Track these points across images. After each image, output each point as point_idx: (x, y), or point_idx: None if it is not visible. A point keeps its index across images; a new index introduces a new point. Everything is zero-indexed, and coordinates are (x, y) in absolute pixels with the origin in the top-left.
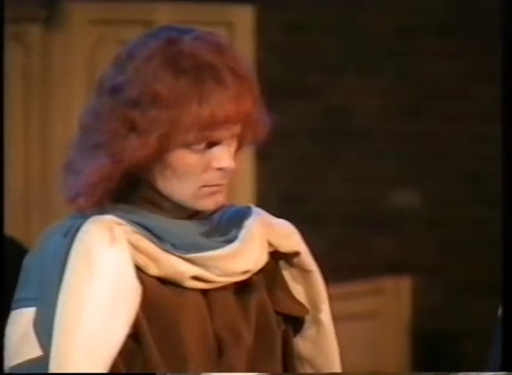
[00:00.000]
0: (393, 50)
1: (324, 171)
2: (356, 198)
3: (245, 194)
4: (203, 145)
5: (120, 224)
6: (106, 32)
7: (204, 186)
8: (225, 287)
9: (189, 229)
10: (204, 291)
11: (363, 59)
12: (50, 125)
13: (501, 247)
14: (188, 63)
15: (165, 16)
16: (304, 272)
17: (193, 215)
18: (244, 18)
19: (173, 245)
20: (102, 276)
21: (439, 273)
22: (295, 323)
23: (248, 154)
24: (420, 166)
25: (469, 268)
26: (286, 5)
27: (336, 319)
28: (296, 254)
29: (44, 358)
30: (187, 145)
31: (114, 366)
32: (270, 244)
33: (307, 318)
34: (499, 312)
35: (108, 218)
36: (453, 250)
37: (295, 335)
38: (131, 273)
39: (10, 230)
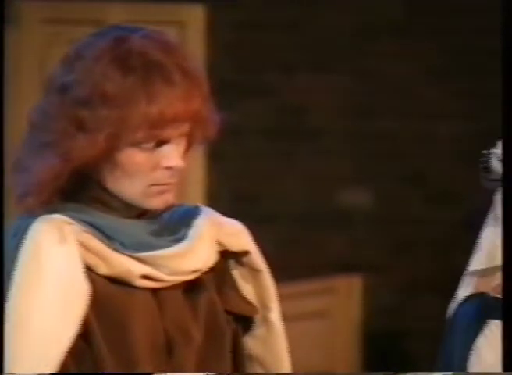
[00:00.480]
0: (348, 49)
1: (277, 170)
2: (308, 197)
3: (196, 193)
4: (152, 144)
5: (69, 223)
6: (58, 31)
7: (152, 185)
8: (174, 287)
9: (138, 228)
10: (154, 290)
11: (317, 58)
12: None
13: (502, 247)
14: (137, 62)
15: (116, 15)
16: (254, 271)
17: (143, 214)
18: (195, 17)
19: (123, 244)
20: (51, 276)
21: (390, 273)
22: (245, 322)
23: (200, 153)
24: (372, 165)
25: (418, 266)
26: (238, 4)
27: (287, 318)
28: (246, 253)
29: None
30: (136, 144)
31: (64, 365)
32: (219, 244)
33: (257, 317)
34: (448, 311)
35: (58, 217)
36: (403, 249)
37: (245, 334)
38: (80, 273)
39: None
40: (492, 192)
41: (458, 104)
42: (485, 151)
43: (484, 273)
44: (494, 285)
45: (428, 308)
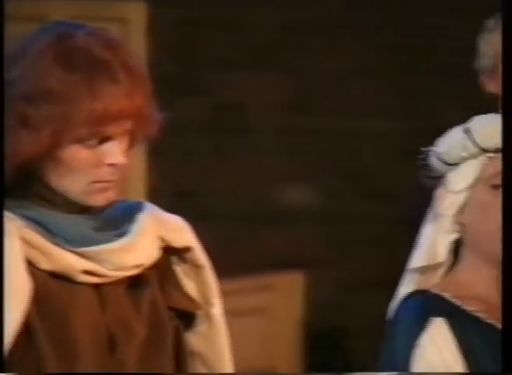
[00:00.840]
0: (284, 46)
1: (216, 167)
2: (247, 194)
3: (137, 189)
4: (95, 141)
5: (12, 219)
6: None
7: (95, 181)
8: (117, 282)
9: (81, 223)
10: (96, 286)
11: (254, 55)
12: None
13: (502, 247)
14: (80, 59)
15: (58, 11)
16: (196, 267)
17: (85, 210)
18: (137, 14)
19: (65, 240)
20: None
21: (331, 269)
22: (187, 318)
23: (140, 150)
24: (311, 162)
25: (359, 264)
26: (179, 1)
27: (228, 314)
28: (188, 249)
29: None
30: (80, 141)
31: (6, 361)
32: (162, 239)
33: (199, 314)
34: (390, 309)
35: None
36: (343, 246)
37: (187, 331)
38: (22, 268)
39: None
40: (430, 189)
41: (395, 101)
42: (424, 149)
43: (425, 270)
44: (435, 282)
45: (369, 305)
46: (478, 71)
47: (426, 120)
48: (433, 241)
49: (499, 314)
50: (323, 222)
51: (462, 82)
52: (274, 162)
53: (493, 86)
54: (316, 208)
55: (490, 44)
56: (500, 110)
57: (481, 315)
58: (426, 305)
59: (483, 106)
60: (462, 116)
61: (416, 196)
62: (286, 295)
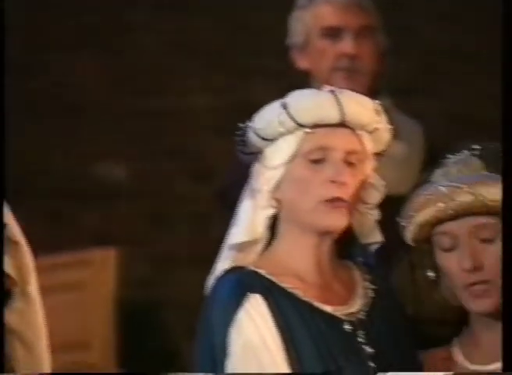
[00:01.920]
0: (110, 24)
1: (42, 146)
2: (65, 171)
3: None
4: None
5: None
6: None
7: None
8: None
9: None
10: None
11: (79, 35)
12: None
13: (502, 248)
14: None
15: None
16: (12, 243)
17: None
18: None
19: None
20: None
21: (146, 245)
22: (3, 295)
23: None
24: (131, 140)
25: (173, 240)
26: None
27: (43, 291)
28: (4, 225)
29: None
30: None
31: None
32: None
33: (15, 290)
34: (207, 285)
35: None
36: (159, 222)
37: (4, 308)
38: None
39: None
40: (247, 166)
41: (214, 77)
42: (242, 125)
43: (242, 247)
44: (252, 258)
45: (184, 281)
46: (289, 47)
47: (243, 96)
48: (251, 217)
49: (315, 291)
50: (139, 198)
51: (277, 58)
52: (96, 139)
53: (304, 62)
54: (131, 185)
55: (301, 21)
56: (314, 85)
57: (297, 292)
58: (242, 281)
59: (296, 82)
60: (275, 91)
61: (233, 172)
62: (100, 271)
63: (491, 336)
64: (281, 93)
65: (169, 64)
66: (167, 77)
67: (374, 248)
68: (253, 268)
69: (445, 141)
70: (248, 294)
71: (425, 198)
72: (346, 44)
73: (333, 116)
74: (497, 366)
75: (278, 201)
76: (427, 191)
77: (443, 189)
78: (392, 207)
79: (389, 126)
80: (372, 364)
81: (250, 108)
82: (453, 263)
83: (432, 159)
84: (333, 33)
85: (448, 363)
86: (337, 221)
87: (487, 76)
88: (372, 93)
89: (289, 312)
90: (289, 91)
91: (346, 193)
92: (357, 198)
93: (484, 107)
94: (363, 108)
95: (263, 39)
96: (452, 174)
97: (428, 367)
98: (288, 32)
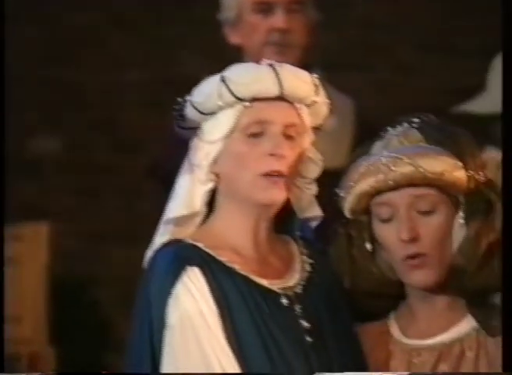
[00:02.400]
0: None
1: None
2: None
3: None
4: None
5: None
6: None
7: None
8: None
9: None
10: None
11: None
12: None
13: (501, 249)
14: None
15: None
16: None
17: None
18: None
19: None
20: None
21: (78, 220)
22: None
23: None
24: (60, 113)
25: (105, 214)
26: None
27: None
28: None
29: None
30: None
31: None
32: None
33: None
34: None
35: None
36: (91, 196)
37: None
38: None
39: None
40: (184, 140)
41: (146, 51)
42: (180, 99)
43: (180, 221)
44: (190, 232)
45: (116, 255)
46: (221, 22)
47: (176, 70)
48: (189, 192)
49: (253, 265)
50: (71, 172)
51: (208, 32)
52: (26, 113)
53: (236, 37)
54: (64, 159)
55: None
56: (247, 60)
57: (234, 265)
58: (180, 254)
59: (229, 57)
60: (208, 66)
61: (168, 147)
62: (32, 245)
63: (428, 310)
64: (213, 68)
65: (99, 37)
66: (97, 51)
67: (313, 222)
68: (191, 241)
69: (376, 114)
70: (186, 266)
71: (366, 168)
72: (278, 19)
73: (272, 89)
74: (434, 340)
75: (216, 175)
76: (367, 162)
77: (384, 160)
78: (326, 181)
79: (327, 100)
80: (309, 338)
81: (180, 83)
82: (390, 234)
83: (363, 133)
84: (265, 7)
85: (384, 337)
86: (275, 195)
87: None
88: (304, 67)
89: (226, 285)
90: (221, 65)
91: (284, 166)
92: (296, 173)
93: (416, 79)
94: (301, 82)
95: (195, 13)
96: (392, 146)
97: (364, 341)
98: (220, 7)
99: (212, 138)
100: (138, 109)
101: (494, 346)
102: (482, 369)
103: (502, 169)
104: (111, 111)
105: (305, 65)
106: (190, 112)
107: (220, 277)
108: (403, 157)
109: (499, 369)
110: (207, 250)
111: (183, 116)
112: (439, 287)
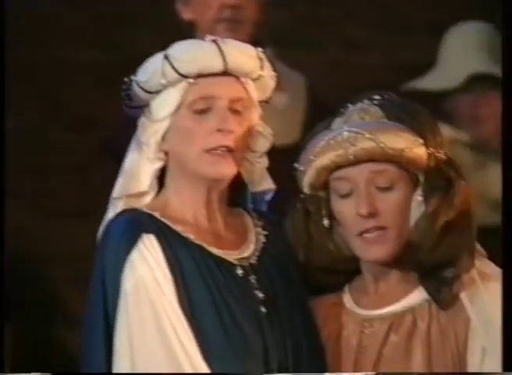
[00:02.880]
0: None
1: None
2: None
3: None
4: None
5: None
6: None
7: None
8: None
9: None
10: None
11: None
12: None
13: (501, 250)
14: None
15: None
16: None
17: None
18: None
19: None
20: None
21: (31, 196)
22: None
23: None
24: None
25: (58, 191)
26: None
27: None
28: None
29: None
30: None
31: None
32: None
33: None
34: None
35: None
36: (42, 173)
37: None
38: None
39: None
40: (132, 119)
41: (96, 29)
42: (127, 79)
43: (128, 199)
44: (144, 204)
45: (69, 232)
46: None
47: (127, 48)
48: (137, 170)
49: (207, 236)
50: (21, 150)
51: (160, 9)
52: None
53: (188, 13)
54: (16, 138)
55: None
56: (199, 37)
57: (190, 235)
58: (136, 221)
59: (180, 33)
60: (160, 43)
61: (118, 126)
62: None
63: (381, 282)
64: (165, 45)
65: (53, 15)
66: (49, 29)
67: (267, 195)
68: (146, 210)
69: (328, 91)
70: (142, 234)
71: (326, 142)
72: None
73: (216, 64)
74: (385, 310)
75: (165, 153)
76: (328, 137)
77: (344, 134)
78: (279, 157)
79: (273, 73)
80: (263, 309)
81: (131, 61)
82: (348, 209)
83: (315, 110)
84: None
85: (337, 308)
86: (223, 169)
87: (363, 24)
88: (255, 43)
89: (181, 253)
90: (173, 41)
91: (232, 141)
92: (245, 147)
93: (368, 56)
94: (246, 56)
95: None
96: (353, 121)
97: (318, 312)
98: None
99: (159, 116)
100: (89, 88)
101: (447, 320)
102: (434, 342)
103: (502, 169)
104: (61, 89)
105: (257, 41)
106: (136, 91)
107: (175, 246)
108: (364, 132)
109: (452, 343)
110: (162, 219)
111: (130, 96)
112: (394, 262)
